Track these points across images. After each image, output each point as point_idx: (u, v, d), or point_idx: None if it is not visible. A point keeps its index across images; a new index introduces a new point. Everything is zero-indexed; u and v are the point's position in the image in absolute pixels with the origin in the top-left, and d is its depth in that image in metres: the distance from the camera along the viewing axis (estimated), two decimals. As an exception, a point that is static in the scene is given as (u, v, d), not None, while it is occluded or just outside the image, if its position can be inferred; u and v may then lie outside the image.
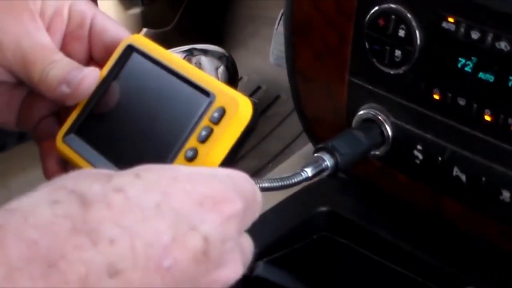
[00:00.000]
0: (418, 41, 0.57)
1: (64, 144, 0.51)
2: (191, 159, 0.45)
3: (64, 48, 0.52)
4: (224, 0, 1.29)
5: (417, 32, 0.56)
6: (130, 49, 0.51)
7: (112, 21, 0.52)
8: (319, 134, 0.72)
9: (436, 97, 0.57)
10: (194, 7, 1.29)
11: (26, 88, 0.52)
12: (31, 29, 0.49)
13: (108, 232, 0.34)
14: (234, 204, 0.38)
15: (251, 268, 0.63)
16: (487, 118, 0.54)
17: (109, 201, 0.35)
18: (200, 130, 0.45)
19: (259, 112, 0.46)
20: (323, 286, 0.71)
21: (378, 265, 0.68)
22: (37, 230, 0.33)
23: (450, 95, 0.56)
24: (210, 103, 0.45)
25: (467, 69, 0.54)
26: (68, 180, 0.36)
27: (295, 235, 0.70)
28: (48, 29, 0.50)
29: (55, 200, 0.34)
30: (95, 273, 0.33)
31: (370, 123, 0.62)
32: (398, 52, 0.58)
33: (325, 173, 0.57)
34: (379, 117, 0.61)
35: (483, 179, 0.57)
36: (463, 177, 0.58)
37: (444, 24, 0.55)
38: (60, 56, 0.49)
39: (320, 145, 0.58)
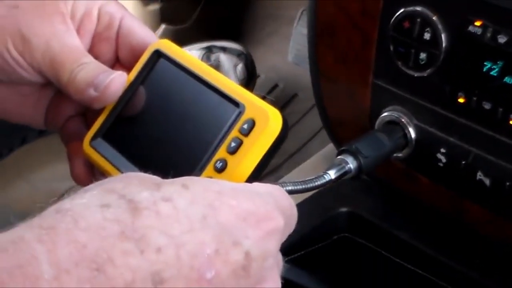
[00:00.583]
0: (444, 44, 0.56)
1: (91, 148, 0.51)
2: (220, 170, 0.44)
3: (92, 49, 0.52)
4: (243, -2, 1.29)
5: (442, 35, 0.56)
6: (158, 55, 0.50)
7: (140, 23, 0.52)
8: (341, 135, 0.72)
9: (461, 100, 0.57)
10: (213, 3, 1.29)
11: (54, 88, 0.52)
12: (61, 31, 0.49)
13: (155, 240, 0.34)
14: (276, 221, 0.38)
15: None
16: (513, 122, 0.54)
17: (158, 209, 0.35)
18: (229, 141, 0.44)
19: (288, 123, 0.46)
20: (343, 286, 0.71)
21: (397, 267, 0.68)
22: (86, 233, 0.33)
23: (475, 99, 0.56)
24: (240, 114, 0.45)
25: (492, 73, 0.54)
26: (117, 183, 0.37)
27: (316, 235, 0.70)
28: (78, 31, 0.50)
29: (106, 204, 0.35)
30: (141, 280, 0.33)
31: (393, 125, 0.61)
32: (423, 55, 0.58)
33: (348, 176, 0.56)
34: (403, 120, 0.61)
35: (507, 183, 0.56)
36: (487, 181, 0.58)
37: (471, 28, 0.54)
38: (89, 59, 0.49)
39: (343, 148, 0.57)
